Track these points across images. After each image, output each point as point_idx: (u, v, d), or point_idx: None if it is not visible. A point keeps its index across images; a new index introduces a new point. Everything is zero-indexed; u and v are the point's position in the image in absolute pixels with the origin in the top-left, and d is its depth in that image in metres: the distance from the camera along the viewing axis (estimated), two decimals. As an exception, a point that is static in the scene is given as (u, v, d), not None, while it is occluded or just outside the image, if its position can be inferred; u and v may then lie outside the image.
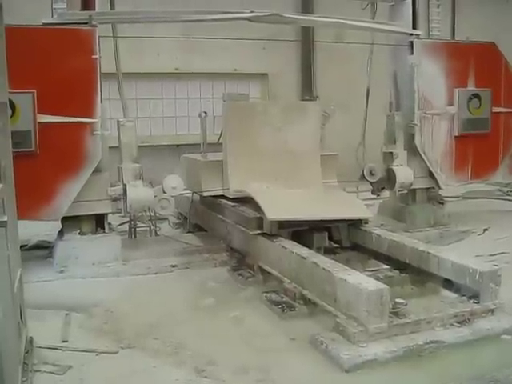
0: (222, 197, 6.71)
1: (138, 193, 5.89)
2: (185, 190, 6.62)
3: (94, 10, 5.81)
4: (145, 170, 6.05)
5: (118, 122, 6.08)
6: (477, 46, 7.61)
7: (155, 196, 6.01)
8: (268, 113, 6.77)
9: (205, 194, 6.80)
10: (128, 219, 6.81)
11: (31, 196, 5.42)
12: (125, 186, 5.90)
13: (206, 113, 6.95)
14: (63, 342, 4.17)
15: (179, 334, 4.30)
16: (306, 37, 11.32)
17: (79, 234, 6.01)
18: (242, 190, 6.29)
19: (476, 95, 7.54)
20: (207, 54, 10.20)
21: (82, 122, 5.66)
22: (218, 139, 7.06)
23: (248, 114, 6.70)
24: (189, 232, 7.19)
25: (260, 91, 11.31)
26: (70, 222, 5.94)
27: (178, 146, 10.25)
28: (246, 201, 6.23)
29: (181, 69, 10.64)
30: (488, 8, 12.49)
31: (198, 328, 4.47)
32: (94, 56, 5.66)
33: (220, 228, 6.60)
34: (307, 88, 11.44)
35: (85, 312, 4.73)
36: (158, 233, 7.02)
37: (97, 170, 5.82)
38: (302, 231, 5.75)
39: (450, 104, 7.46)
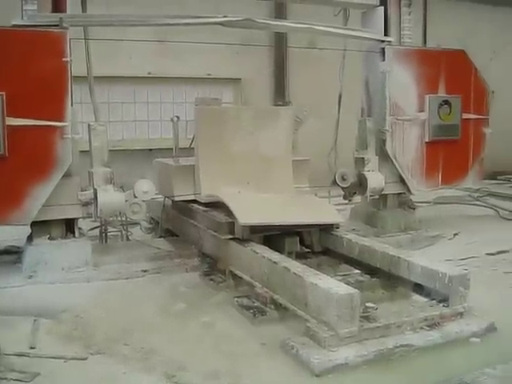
0: (194, 201, 6.69)
1: (109, 197, 5.82)
2: (156, 194, 6.57)
3: (65, 12, 5.72)
4: (116, 174, 5.99)
5: (89, 125, 6.02)
6: (447, 53, 7.70)
7: (126, 200, 5.96)
8: (240, 118, 6.77)
9: (176, 198, 6.76)
10: (99, 224, 6.74)
11: (0, 200, 5.39)
12: (95, 190, 5.83)
13: (178, 117, 6.91)
14: (31, 348, 4.10)
15: (150, 340, 4.26)
16: (280, 42, 11.35)
17: (49, 238, 5.91)
18: (214, 194, 6.28)
19: (446, 102, 7.62)
20: (180, 58, 10.17)
21: (52, 126, 5.58)
22: (190, 144, 7.04)
23: (220, 119, 6.68)
24: (160, 237, 7.15)
25: (233, 96, 11.29)
26: (40, 226, 5.85)
27: (150, 150, 10.20)
28: (218, 205, 6.22)
29: (154, 73, 10.60)
30: (458, 15, 12.69)
31: (168, 333, 4.43)
32: (64, 59, 5.57)
33: (192, 233, 6.58)
34: (280, 93, 11.46)
35: (54, 318, 4.66)
36: (130, 238, 6.97)
37: (67, 174, 5.74)
38: (273, 236, 5.76)
39: (421, 110, 7.53)
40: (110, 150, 6.13)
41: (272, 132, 6.79)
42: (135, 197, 6.08)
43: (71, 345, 4.19)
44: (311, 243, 6.10)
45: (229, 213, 5.79)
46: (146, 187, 6.10)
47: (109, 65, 9.31)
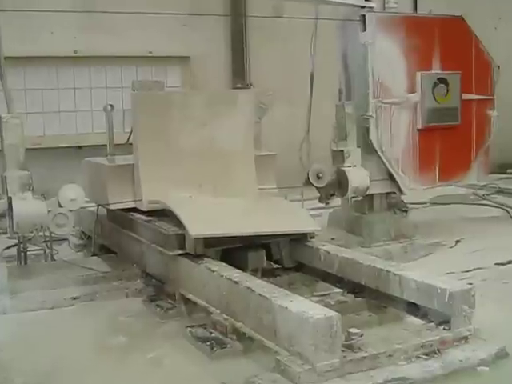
0: (135, 210, 6.67)
1: (27, 207, 5.74)
2: (87, 202, 6.54)
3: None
4: (36, 178, 5.92)
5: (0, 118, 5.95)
6: (442, 20, 7.81)
7: (49, 211, 5.91)
8: (189, 105, 6.76)
9: (112, 207, 6.73)
10: (16, 241, 6.68)
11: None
12: (10, 199, 5.76)
13: (112, 106, 6.92)
14: None
15: (82, 383, 4.22)
16: (237, 11, 11.37)
17: (-48, 261, 5.86)
18: (158, 200, 6.27)
19: (442, 80, 7.73)
20: (114, 32, 10.17)
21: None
22: (128, 139, 7.01)
23: (164, 107, 6.67)
24: (94, 255, 7.11)
25: (180, 78, 11.29)
26: None
27: (79, 147, 10.17)
28: (164, 214, 6.21)
29: (81, 51, 10.54)
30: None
31: (106, 374, 4.40)
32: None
33: (132, 249, 6.57)
34: (239, 74, 11.49)
35: (-41, 360, 4.62)
36: (55, 257, 6.91)
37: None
38: (233, 250, 5.77)
39: (412, 91, 7.63)
40: (28, 149, 6.05)
41: (229, 122, 6.79)
42: (60, 206, 6.02)
43: (-17, 392, 4.16)
44: (281, 257, 6.13)
45: (178, 223, 5.78)
46: (73, 194, 6.04)
47: (24, 42, 9.32)
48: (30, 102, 10.22)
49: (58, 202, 6.02)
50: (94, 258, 7.02)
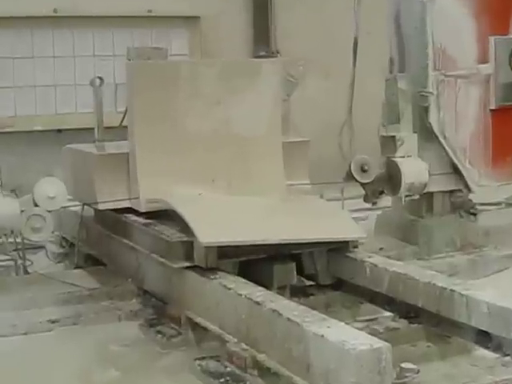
0: (130, 211, 6.68)
1: None
2: (70, 200, 6.62)
3: None
4: (5, 170, 6.08)
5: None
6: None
7: (22, 211, 5.97)
8: (200, 78, 6.76)
9: (101, 206, 6.74)
10: (-21, 250, 6.77)
11: None
12: (-28, 196, 5.85)
13: (101, 79, 6.97)
14: None
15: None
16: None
17: None
18: (160, 199, 6.29)
19: (523, 47, 7.70)
20: (103, -15, 10.23)
21: None
22: (122, 120, 7.03)
23: (167, 81, 6.68)
24: (78, 267, 7.13)
25: (188, 44, 11.31)
26: None
27: (58, 131, 10.22)
28: (167, 216, 6.22)
29: (62, 10, 10.57)
30: None
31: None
32: None
33: (126, 260, 6.58)
34: (262, 38, 11.49)
35: None
36: (29, 269, 6.93)
37: None
38: (254, 262, 5.78)
39: (483, 61, 7.60)
40: None
41: (250, 100, 6.81)
42: (36, 205, 6.07)
43: None
44: (315, 272, 6.14)
45: (184, 227, 5.78)
46: (52, 190, 6.11)
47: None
48: None
49: (34, 201, 6.07)
50: (78, 270, 7.03)
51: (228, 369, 4.83)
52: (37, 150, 9.65)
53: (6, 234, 6.30)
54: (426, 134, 7.53)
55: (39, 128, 10.37)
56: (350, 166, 7.29)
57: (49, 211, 6.11)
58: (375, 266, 5.72)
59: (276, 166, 6.87)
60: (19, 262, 6.86)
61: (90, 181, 6.78)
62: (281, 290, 5.55)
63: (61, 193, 6.14)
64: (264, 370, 4.65)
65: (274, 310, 4.64)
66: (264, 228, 5.89)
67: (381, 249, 7.05)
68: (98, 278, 6.77)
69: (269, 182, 6.74)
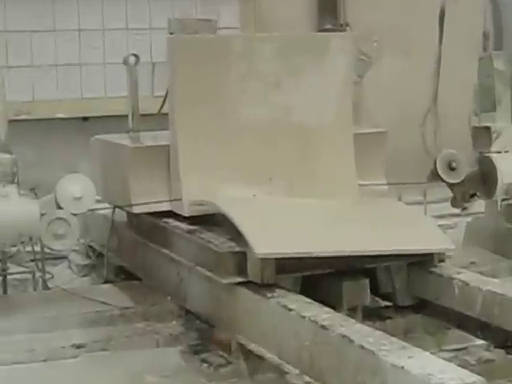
0: (170, 215, 6.69)
1: (9, 209, 5.88)
2: (98, 202, 6.65)
3: None
4: (22, 165, 6.06)
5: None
6: None
7: (42, 214, 5.99)
8: (255, 56, 6.77)
9: (136, 209, 6.77)
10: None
11: None
12: (-15, 196, 5.88)
13: (136, 56, 7.01)
14: None
15: None
16: None
17: None
18: (207, 200, 6.30)
19: None
20: None
21: None
22: (161, 107, 7.09)
23: (217, 59, 6.69)
24: (107, 282, 7.18)
25: (240, 15, 11.32)
26: None
27: (85, 119, 10.22)
28: (215, 221, 6.24)
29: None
30: None
31: None
32: None
33: (166, 273, 6.57)
34: (329, 9, 11.42)
35: None
36: (49, 284, 6.96)
37: None
38: (320, 278, 5.75)
39: None
40: (11, 122, 6.20)
41: (315, 82, 6.81)
42: (59, 207, 6.10)
43: None
44: (393, 290, 6.10)
45: (236, 235, 5.77)
46: (78, 189, 6.13)
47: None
48: (12, 50, 10.23)
49: (56, 202, 6.09)
50: (108, 286, 7.07)
51: (288, 406, 4.88)
52: (59, 142, 9.66)
53: (23, 242, 6.29)
54: (528, 124, 7.49)
55: (61, 115, 10.27)
56: (434, 163, 7.25)
57: (74, 214, 6.13)
58: (465, 284, 5.62)
59: (346, 163, 6.85)
60: (38, 274, 6.91)
61: (123, 178, 6.81)
62: (351, 312, 5.50)
63: (88, 192, 6.16)
64: (332, 408, 4.67)
65: (344, 336, 4.57)
66: (332, 237, 5.86)
67: (472, 263, 6.98)
68: (132, 294, 6.77)
69: (337, 182, 6.73)
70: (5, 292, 6.78)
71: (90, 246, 7.83)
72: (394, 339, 4.56)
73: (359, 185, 6.87)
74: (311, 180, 6.65)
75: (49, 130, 10.04)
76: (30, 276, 6.97)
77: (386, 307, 6.16)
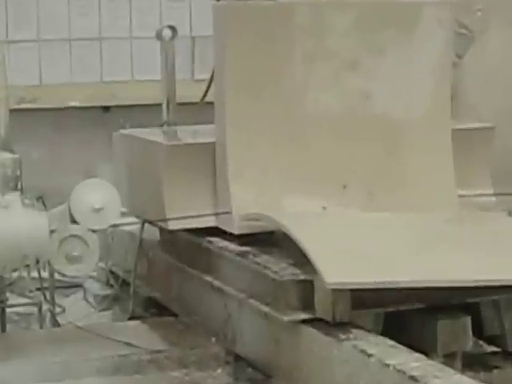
0: (216, 232, 6.13)
1: (11, 223, 5.56)
2: (124, 215, 6.29)
3: None
4: (26, 167, 5.78)
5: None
6: None
7: (52, 231, 5.60)
8: (326, 29, 6.21)
9: (172, 225, 6.25)
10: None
11: None
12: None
13: (173, 29, 6.64)
14: None
15: None
16: None
17: None
18: (262, 214, 5.77)
19: None
20: None
21: None
22: (205, 93, 6.72)
23: (278, 33, 6.16)
24: (133, 318, 6.66)
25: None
26: None
27: (106, 108, 9.94)
28: (273, 242, 5.75)
29: None
30: None
31: None
32: None
33: (210, 307, 6.07)
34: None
35: None
36: (60, 319, 6.59)
37: None
38: (407, 315, 5.24)
39: None
40: (13, 111, 6.14)
41: (403, 63, 6.26)
42: (74, 222, 5.75)
43: None
44: (501, 332, 5.59)
45: (300, 259, 5.25)
46: (97, 199, 5.78)
47: None
48: (14, 22, 9.93)
49: (70, 214, 5.75)
50: (135, 322, 6.59)
51: None
52: (73, 138, 9.40)
53: (27, 266, 5.84)
54: None
55: (76, 104, 10.03)
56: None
57: (92, 231, 5.76)
58: None
59: (442, 167, 6.30)
60: (45, 307, 6.55)
61: (155, 185, 6.35)
62: (449, 359, 4.97)
63: (110, 203, 5.78)
64: None
65: (440, 390, 4.36)
66: (423, 263, 5.27)
67: None
68: (165, 334, 6.25)
69: (431, 192, 6.17)
70: (3, 329, 6.36)
71: (112, 272, 7.43)
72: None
73: (459, 195, 6.34)
74: (397, 189, 6.14)
75: (60, 122, 9.83)
76: (35, 309, 6.56)
77: (493, 353, 5.63)
